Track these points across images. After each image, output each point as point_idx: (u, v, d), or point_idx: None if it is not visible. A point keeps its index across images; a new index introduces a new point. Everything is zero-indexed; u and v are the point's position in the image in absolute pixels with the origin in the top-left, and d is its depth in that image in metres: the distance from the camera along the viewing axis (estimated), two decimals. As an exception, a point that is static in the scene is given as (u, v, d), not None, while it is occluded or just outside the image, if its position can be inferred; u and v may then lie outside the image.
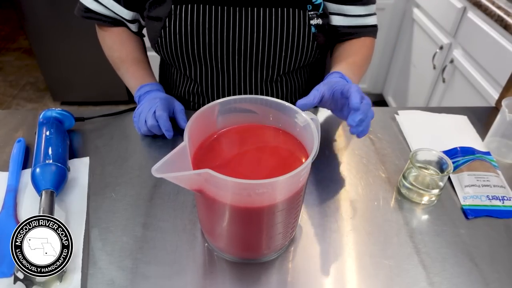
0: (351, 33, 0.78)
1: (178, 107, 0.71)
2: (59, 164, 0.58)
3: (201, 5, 0.68)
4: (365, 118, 0.56)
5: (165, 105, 0.68)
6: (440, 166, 0.59)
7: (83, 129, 0.72)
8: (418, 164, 0.60)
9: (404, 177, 0.60)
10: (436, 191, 0.59)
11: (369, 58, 0.81)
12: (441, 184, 0.58)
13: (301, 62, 0.75)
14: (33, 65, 2.59)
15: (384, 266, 0.51)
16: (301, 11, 0.70)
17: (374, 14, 0.80)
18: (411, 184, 0.59)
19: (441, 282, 0.49)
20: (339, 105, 0.60)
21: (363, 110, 0.55)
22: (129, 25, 0.79)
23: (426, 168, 0.61)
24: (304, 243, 0.53)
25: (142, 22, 0.80)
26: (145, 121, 0.67)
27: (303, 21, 0.70)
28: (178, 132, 0.69)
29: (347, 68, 0.71)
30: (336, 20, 0.77)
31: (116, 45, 0.79)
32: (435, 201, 0.60)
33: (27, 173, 0.61)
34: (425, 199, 0.59)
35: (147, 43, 0.83)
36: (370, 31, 0.80)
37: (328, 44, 0.79)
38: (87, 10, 0.76)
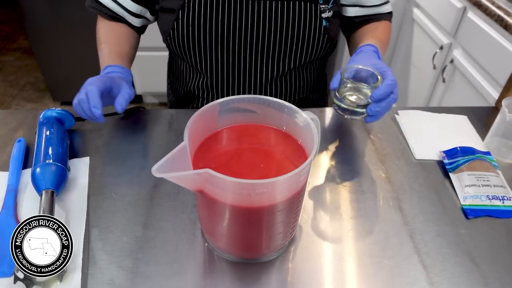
0: (367, 20, 0.80)
1: (125, 90, 0.63)
2: (59, 164, 0.58)
3: None
4: (383, 110, 0.59)
5: (104, 82, 0.60)
6: (371, 81, 0.60)
7: (83, 129, 0.72)
8: (349, 81, 0.60)
9: (338, 93, 0.62)
10: (364, 104, 0.60)
11: (388, 37, 0.82)
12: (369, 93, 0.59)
13: (311, 56, 0.75)
14: (33, 65, 2.59)
15: (384, 266, 0.51)
16: (313, 4, 0.71)
17: (388, 1, 0.81)
18: (344, 98, 0.60)
19: (441, 282, 0.49)
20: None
21: (384, 105, 0.58)
22: (131, 18, 0.78)
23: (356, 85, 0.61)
24: (304, 243, 0.53)
25: (150, 18, 0.79)
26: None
27: (314, 14, 0.71)
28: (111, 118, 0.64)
29: (376, 42, 0.72)
30: (352, 12, 0.78)
31: (107, 31, 0.78)
32: (366, 116, 0.61)
33: (27, 173, 0.61)
34: (357, 114, 0.61)
35: (154, 42, 0.83)
36: (385, 16, 0.82)
37: (337, 38, 0.80)
38: (96, 1, 0.76)
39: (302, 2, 0.70)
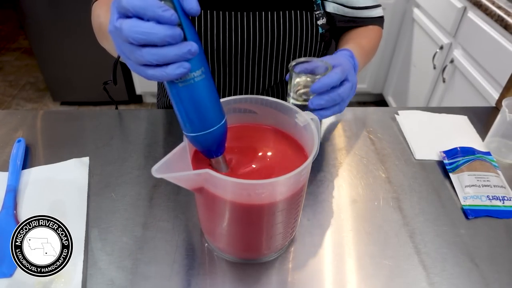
0: (351, 22, 0.75)
1: None
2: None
3: (208, 11, 0.68)
4: (328, 104, 0.54)
5: None
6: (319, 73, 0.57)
7: (83, 128, 0.72)
8: (295, 73, 0.57)
9: (290, 88, 0.58)
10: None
11: (376, 44, 0.77)
12: None
13: None
14: (33, 65, 2.60)
15: (384, 267, 0.51)
16: (308, 13, 0.70)
17: (379, 5, 0.77)
18: (295, 94, 0.57)
19: (441, 283, 0.49)
20: None
21: (327, 99, 0.53)
22: None
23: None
24: (304, 243, 0.53)
25: None
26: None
27: (310, 22, 0.70)
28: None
29: (356, 48, 0.66)
30: (332, 8, 0.74)
31: (103, 11, 0.66)
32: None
33: (26, 173, 0.61)
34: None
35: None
36: (375, 21, 0.77)
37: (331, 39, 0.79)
38: None
39: (298, 11, 0.69)
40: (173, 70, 0.35)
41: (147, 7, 0.32)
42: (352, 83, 0.56)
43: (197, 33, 0.38)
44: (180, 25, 0.35)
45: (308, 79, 0.55)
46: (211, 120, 0.41)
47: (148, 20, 0.33)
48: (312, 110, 0.54)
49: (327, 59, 0.56)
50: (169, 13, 0.33)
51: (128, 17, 0.34)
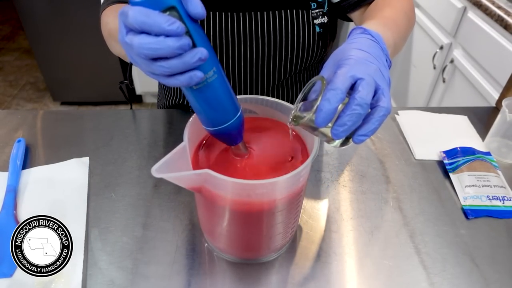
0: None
1: None
2: None
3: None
4: (352, 125, 0.39)
5: None
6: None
7: (83, 128, 0.72)
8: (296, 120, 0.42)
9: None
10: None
11: (407, 9, 0.61)
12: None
13: (307, 62, 0.74)
14: (33, 65, 2.60)
15: (384, 267, 0.51)
16: (304, 11, 0.69)
17: None
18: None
19: (441, 283, 0.49)
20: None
21: (348, 119, 0.38)
22: None
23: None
24: (304, 243, 0.53)
25: None
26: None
27: (306, 21, 0.70)
28: None
29: (372, 22, 0.50)
30: None
31: (111, 18, 0.64)
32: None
33: (26, 173, 0.61)
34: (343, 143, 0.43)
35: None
36: None
37: (332, 44, 0.78)
38: None
39: (294, 10, 0.69)
40: (186, 80, 0.36)
41: (153, 23, 0.33)
42: (369, 76, 0.39)
43: (205, 34, 0.38)
44: (187, 32, 0.35)
45: (307, 116, 0.40)
46: (228, 114, 0.42)
47: (156, 35, 0.34)
48: (349, 139, 0.42)
49: (325, 69, 0.44)
50: (175, 26, 0.33)
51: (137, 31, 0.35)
